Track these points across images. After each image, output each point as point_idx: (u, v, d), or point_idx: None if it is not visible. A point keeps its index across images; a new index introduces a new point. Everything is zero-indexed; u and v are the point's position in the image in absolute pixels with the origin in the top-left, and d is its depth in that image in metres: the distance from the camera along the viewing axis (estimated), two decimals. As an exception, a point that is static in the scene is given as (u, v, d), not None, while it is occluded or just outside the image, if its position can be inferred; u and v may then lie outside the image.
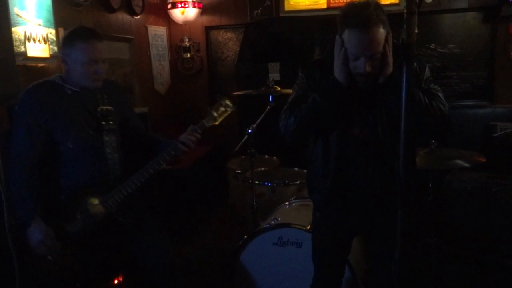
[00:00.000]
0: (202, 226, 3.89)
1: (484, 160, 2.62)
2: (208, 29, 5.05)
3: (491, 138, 3.85)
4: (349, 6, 1.52)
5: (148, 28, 4.60)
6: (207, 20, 4.98)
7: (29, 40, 2.68)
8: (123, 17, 4.09)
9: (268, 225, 2.40)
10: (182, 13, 4.68)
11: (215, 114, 2.09)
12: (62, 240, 1.88)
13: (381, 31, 1.47)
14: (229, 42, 5.09)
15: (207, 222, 4.02)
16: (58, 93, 1.94)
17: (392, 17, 1.56)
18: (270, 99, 2.87)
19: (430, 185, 2.81)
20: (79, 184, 1.94)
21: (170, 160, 2.04)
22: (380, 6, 1.49)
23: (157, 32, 4.80)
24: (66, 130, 1.92)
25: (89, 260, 1.95)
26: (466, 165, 2.60)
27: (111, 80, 2.10)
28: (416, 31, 0.99)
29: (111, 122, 2.01)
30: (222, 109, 2.10)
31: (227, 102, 2.10)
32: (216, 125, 2.12)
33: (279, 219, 2.44)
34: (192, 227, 3.82)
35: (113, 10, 3.83)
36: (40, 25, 2.80)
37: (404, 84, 1.03)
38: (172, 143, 2.06)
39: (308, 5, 4.64)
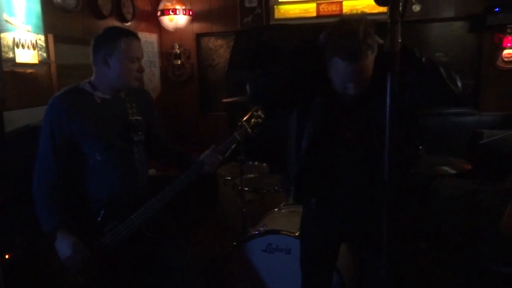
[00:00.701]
0: (191, 233, 3.88)
1: (470, 167, 2.66)
2: (198, 36, 5.07)
3: (478, 145, 3.90)
4: (337, 30, 1.46)
5: (139, 35, 4.59)
6: (198, 27, 5.00)
7: (17, 46, 2.67)
8: (113, 23, 4.09)
9: (257, 232, 2.40)
10: (171, 20, 4.69)
11: (247, 127, 2.09)
12: (89, 253, 1.83)
13: (370, 58, 1.45)
14: (220, 49, 5.11)
15: (196, 229, 4.00)
16: (87, 102, 1.87)
17: (380, 25, 1.54)
18: (260, 106, 2.88)
19: (418, 191, 2.85)
20: (108, 197, 1.88)
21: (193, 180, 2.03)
22: (368, 30, 1.42)
23: (148, 38, 4.81)
24: (94, 142, 1.85)
25: (114, 273, 1.91)
26: (453, 171, 2.64)
27: (140, 87, 2.07)
28: (400, 40, 1.00)
29: (140, 133, 1.96)
30: (254, 120, 2.11)
31: (259, 113, 2.11)
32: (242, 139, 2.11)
33: (268, 225, 2.45)
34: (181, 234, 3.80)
35: (103, 17, 3.83)
36: (29, 31, 2.80)
37: (388, 92, 1.04)
38: (194, 162, 2.06)
39: (298, 13, 4.68)
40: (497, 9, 3.94)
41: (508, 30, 4.05)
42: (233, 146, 2.11)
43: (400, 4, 0.98)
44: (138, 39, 1.91)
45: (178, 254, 2.04)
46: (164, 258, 2.00)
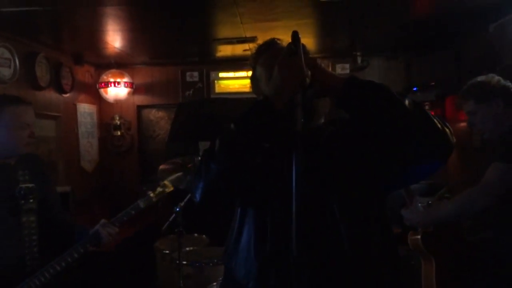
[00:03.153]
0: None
1: (400, 231, 2.78)
2: (139, 107, 5.11)
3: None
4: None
5: (78, 106, 4.57)
6: (138, 99, 5.06)
7: None
8: (51, 95, 4.05)
9: (195, 308, 2.31)
10: (111, 92, 4.72)
11: (152, 195, 2.08)
12: None
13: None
14: (161, 121, 5.16)
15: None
16: None
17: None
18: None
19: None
20: None
21: (85, 252, 1.93)
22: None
23: (87, 110, 4.77)
24: None
25: None
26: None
27: (34, 154, 2.02)
28: (302, 120, 1.08)
29: (31, 201, 1.88)
30: (160, 189, 2.10)
31: (166, 182, 2.11)
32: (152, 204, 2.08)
33: (207, 301, 2.37)
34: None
35: (40, 88, 3.79)
36: (-42, 101, 2.70)
37: (293, 174, 1.07)
38: (88, 234, 1.96)
39: (237, 88, 4.92)
40: (415, 88, 4.39)
41: (426, 107, 4.48)
42: (133, 213, 2.06)
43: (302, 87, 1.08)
44: (27, 105, 1.91)
45: None
46: None
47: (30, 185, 1.90)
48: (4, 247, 1.81)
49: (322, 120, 1.32)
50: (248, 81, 4.89)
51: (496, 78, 2.04)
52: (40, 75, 3.75)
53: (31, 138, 1.88)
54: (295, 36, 1.13)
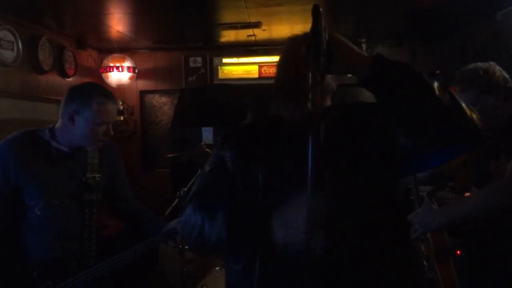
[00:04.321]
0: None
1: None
2: (142, 93, 5.10)
3: (409, 200, 4.12)
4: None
5: (80, 90, 4.55)
6: (142, 84, 5.04)
7: None
8: (54, 78, 4.03)
9: (197, 292, 2.34)
10: (114, 77, 4.70)
11: None
12: None
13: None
14: (164, 106, 5.15)
15: (134, 291, 3.79)
16: (41, 151, 1.76)
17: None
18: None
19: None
20: (45, 256, 1.73)
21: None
22: None
23: (90, 94, 4.75)
24: (37, 195, 1.72)
25: None
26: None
27: (108, 141, 1.91)
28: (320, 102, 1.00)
29: (95, 192, 1.84)
30: None
31: None
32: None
33: (209, 286, 2.39)
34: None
35: (43, 72, 3.78)
36: (-39, 84, 2.70)
37: (309, 155, 0.99)
38: (166, 227, 1.97)
39: (241, 74, 4.89)
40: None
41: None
42: None
43: (321, 65, 0.98)
44: (113, 103, 1.82)
45: None
46: None
47: (97, 175, 1.86)
48: (63, 236, 1.78)
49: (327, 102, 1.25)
50: (251, 67, 4.87)
51: (497, 67, 1.91)
52: (43, 58, 3.73)
53: (106, 136, 1.81)
54: (316, 10, 1.01)
